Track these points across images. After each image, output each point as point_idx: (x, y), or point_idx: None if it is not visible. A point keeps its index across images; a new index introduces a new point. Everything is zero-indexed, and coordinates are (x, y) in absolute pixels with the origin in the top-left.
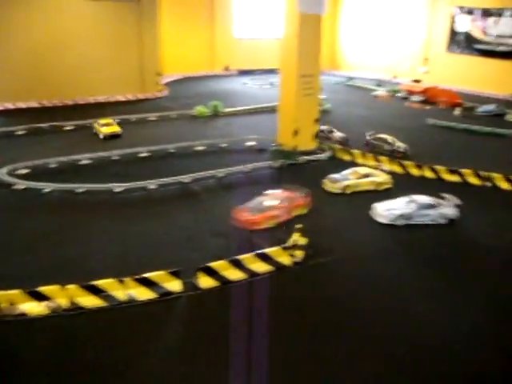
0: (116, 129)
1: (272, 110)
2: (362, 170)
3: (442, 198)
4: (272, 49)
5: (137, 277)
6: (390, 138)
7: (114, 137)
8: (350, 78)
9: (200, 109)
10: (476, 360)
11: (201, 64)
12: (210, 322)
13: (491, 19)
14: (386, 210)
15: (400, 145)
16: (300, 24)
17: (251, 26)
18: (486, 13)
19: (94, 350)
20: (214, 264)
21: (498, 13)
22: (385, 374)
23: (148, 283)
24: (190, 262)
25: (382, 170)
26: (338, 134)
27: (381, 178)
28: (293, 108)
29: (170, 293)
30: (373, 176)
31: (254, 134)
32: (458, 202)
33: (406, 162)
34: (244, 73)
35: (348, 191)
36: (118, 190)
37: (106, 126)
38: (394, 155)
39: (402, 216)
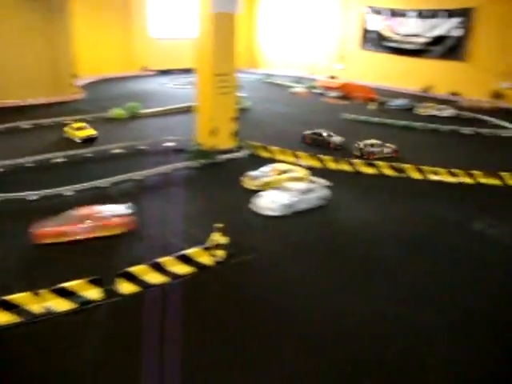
0: (92, 132)
1: (191, 110)
2: (281, 167)
3: (313, 182)
4: (190, 48)
5: (53, 288)
6: (325, 132)
7: (90, 140)
8: (269, 76)
9: (117, 111)
10: (391, 345)
11: (118, 65)
12: (131, 327)
13: (398, 19)
14: (271, 202)
15: (336, 139)
16: (214, 23)
17: (168, 26)
18: (394, 13)
19: (10, 366)
20: (134, 269)
21: (404, 13)
22: (308, 372)
23: (66, 293)
24: (109, 268)
25: (300, 166)
26: (337, 139)
27: (299, 174)
28: (209, 107)
29: (89, 301)
30: (291, 172)
31: (173, 135)
32: (327, 183)
33: (325, 157)
34: (163, 73)
35: (267, 188)
36: (32, 198)
37: (81, 130)
38: (331, 148)
39: (287, 205)
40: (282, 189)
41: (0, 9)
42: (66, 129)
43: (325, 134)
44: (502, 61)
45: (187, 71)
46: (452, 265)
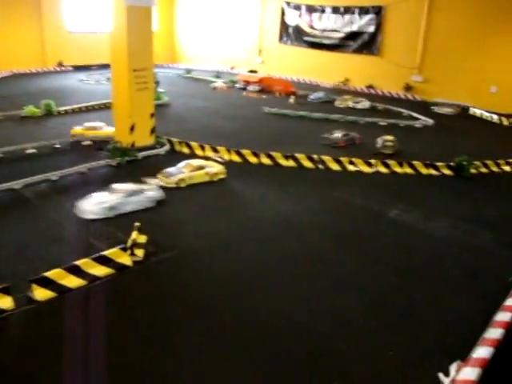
0: None
1: (109, 107)
2: (196, 162)
3: (145, 183)
4: (108, 43)
5: None
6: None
7: None
8: (189, 71)
9: (30, 108)
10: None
11: (31, 60)
12: (46, 334)
13: (315, 14)
14: (95, 205)
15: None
16: (128, 17)
17: (85, 20)
18: (311, 8)
19: None
20: (50, 273)
21: (321, 9)
22: (232, 369)
23: None
24: (24, 274)
25: (216, 161)
26: (354, 135)
27: (215, 169)
28: (127, 104)
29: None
30: (207, 167)
31: None
32: (161, 183)
33: (245, 151)
34: (80, 68)
35: (182, 185)
36: None
37: None
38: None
39: (111, 208)
40: (110, 190)
41: None
42: None
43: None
44: (412, 55)
45: (105, 66)
46: (369, 251)
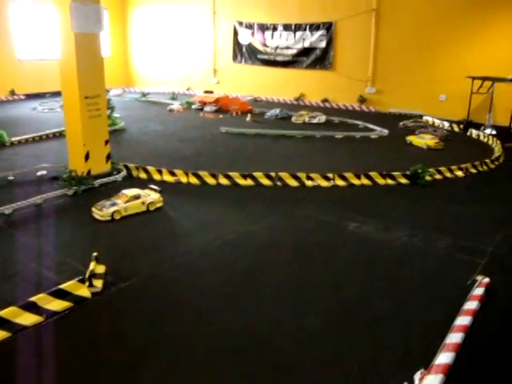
0: None
1: (64, 135)
2: (131, 192)
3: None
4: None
5: None
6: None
7: None
8: (145, 94)
9: None
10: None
11: None
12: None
13: (268, 33)
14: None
15: None
16: (76, 44)
17: (36, 47)
18: (263, 27)
19: None
20: (2, 312)
21: (273, 27)
22: None
23: None
24: None
25: (152, 189)
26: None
27: (151, 198)
28: (80, 132)
29: None
30: (143, 197)
31: (45, 162)
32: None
33: (202, 173)
34: (32, 96)
35: (117, 217)
36: None
37: None
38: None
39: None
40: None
41: None
42: None
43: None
44: (364, 68)
45: (59, 94)
46: (331, 265)
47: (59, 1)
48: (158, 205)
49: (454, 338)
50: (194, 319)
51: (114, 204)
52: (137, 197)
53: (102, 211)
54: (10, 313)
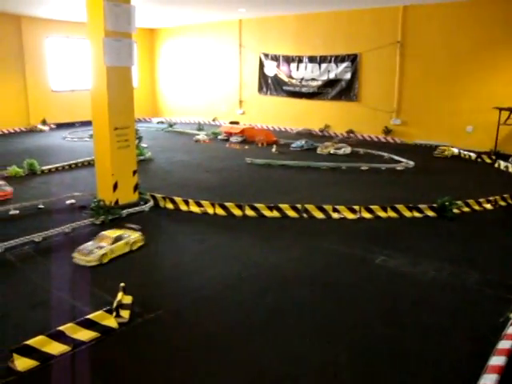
0: None
1: (92, 164)
2: (112, 233)
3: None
4: (88, 100)
5: None
6: None
7: None
8: (171, 124)
9: (14, 169)
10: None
11: (15, 119)
12: None
13: (293, 64)
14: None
15: None
16: (108, 77)
17: (67, 78)
18: (288, 59)
19: None
20: (32, 341)
21: (298, 59)
22: None
23: None
24: (5, 343)
25: (131, 229)
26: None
27: (133, 238)
28: (109, 162)
29: None
30: (124, 237)
31: (74, 191)
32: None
33: (229, 204)
34: (63, 126)
35: (105, 260)
36: None
37: None
38: None
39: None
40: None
41: None
42: None
43: None
44: (389, 100)
45: (87, 123)
46: (358, 300)
47: (93, 35)
48: (140, 244)
49: (489, 379)
50: (219, 354)
51: (99, 247)
52: (119, 238)
53: (89, 256)
54: (38, 342)
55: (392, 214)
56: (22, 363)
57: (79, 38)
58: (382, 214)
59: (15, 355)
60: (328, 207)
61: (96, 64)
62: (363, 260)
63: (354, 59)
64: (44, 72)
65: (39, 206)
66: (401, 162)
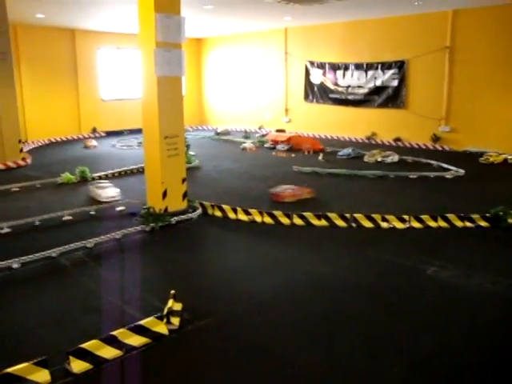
0: None
1: (142, 171)
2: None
3: None
4: (139, 108)
5: None
6: None
7: None
8: (218, 133)
9: (66, 175)
10: None
11: (67, 128)
12: None
13: (339, 72)
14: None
15: None
16: (159, 87)
17: (117, 87)
18: (334, 66)
19: None
20: (86, 344)
21: (345, 66)
22: None
23: (10, 379)
24: (60, 345)
25: None
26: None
27: None
28: (159, 170)
29: None
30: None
31: (124, 198)
32: None
33: (277, 212)
34: (112, 134)
35: None
36: None
37: None
38: None
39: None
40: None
41: None
42: None
43: None
44: (438, 106)
45: (136, 131)
46: (409, 311)
47: (144, 46)
48: None
49: None
50: (269, 364)
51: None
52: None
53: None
54: (92, 345)
55: (442, 223)
56: (77, 365)
57: (128, 48)
58: (432, 223)
59: (71, 357)
60: (377, 216)
61: (147, 74)
62: (414, 270)
63: (401, 66)
64: (95, 82)
65: (91, 213)
66: (450, 170)
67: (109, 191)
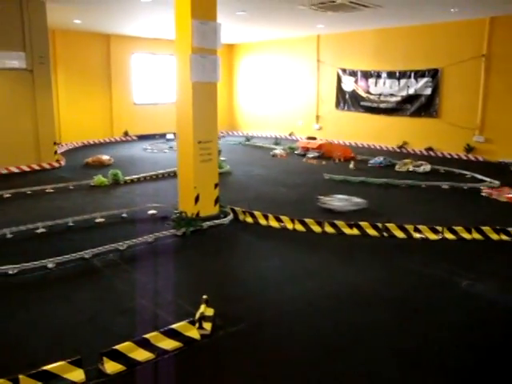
0: None
1: (173, 175)
2: None
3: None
4: (171, 113)
5: (33, 372)
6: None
7: None
8: (248, 138)
9: (99, 178)
10: None
11: (100, 131)
12: None
13: (371, 80)
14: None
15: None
16: (194, 92)
17: (150, 92)
18: (366, 74)
19: None
20: (119, 346)
21: (377, 74)
22: None
23: (46, 377)
24: (93, 346)
25: None
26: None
27: None
28: (192, 175)
29: None
30: None
31: (155, 202)
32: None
33: (308, 220)
34: (143, 138)
35: None
36: (12, 271)
37: None
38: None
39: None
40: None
41: None
42: None
43: None
44: (472, 116)
45: (166, 135)
46: (443, 325)
47: (180, 52)
48: None
49: None
50: (299, 373)
51: None
52: None
53: None
54: (125, 347)
55: (477, 235)
56: (110, 366)
57: (161, 54)
58: (466, 235)
59: (105, 358)
60: (409, 226)
61: (182, 79)
62: (447, 283)
63: (434, 74)
64: (128, 86)
65: (123, 215)
66: (484, 181)
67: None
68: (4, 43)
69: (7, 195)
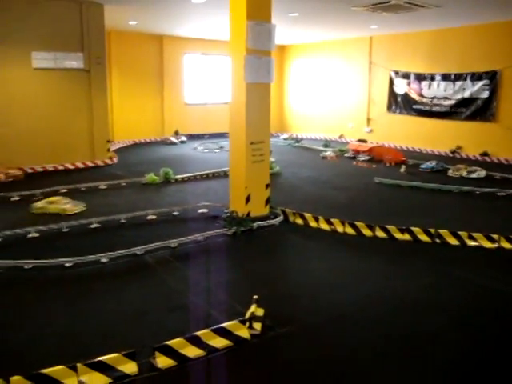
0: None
1: (223, 175)
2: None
3: None
4: (221, 113)
5: (90, 361)
6: None
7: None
8: (298, 140)
9: (151, 176)
10: None
11: (151, 130)
12: None
13: (425, 82)
14: None
15: None
16: (248, 93)
17: (201, 92)
18: (420, 77)
19: None
20: (171, 342)
21: (431, 77)
22: None
23: (102, 367)
24: (145, 340)
25: None
26: None
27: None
28: (243, 175)
29: (125, 376)
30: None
31: (206, 201)
32: None
33: (359, 223)
34: (194, 137)
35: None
36: (68, 264)
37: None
38: None
39: None
40: None
41: (45, 82)
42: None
43: None
44: None
45: (217, 135)
46: (500, 340)
47: (234, 53)
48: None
49: None
50: (347, 378)
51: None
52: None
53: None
54: (177, 343)
55: None
56: (162, 361)
57: (213, 54)
58: None
59: (157, 353)
60: (463, 234)
61: (236, 80)
62: (504, 294)
63: (493, 76)
64: (179, 86)
65: (174, 213)
66: None
67: None
68: (64, 44)
69: (63, 190)
